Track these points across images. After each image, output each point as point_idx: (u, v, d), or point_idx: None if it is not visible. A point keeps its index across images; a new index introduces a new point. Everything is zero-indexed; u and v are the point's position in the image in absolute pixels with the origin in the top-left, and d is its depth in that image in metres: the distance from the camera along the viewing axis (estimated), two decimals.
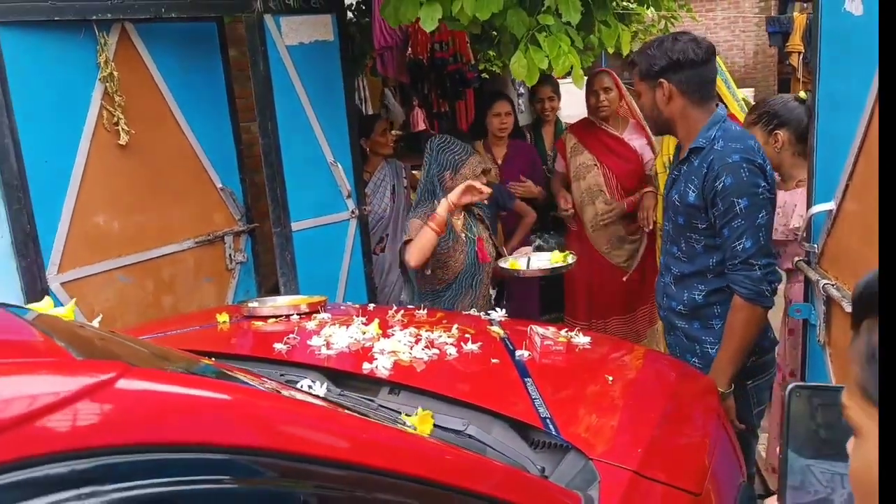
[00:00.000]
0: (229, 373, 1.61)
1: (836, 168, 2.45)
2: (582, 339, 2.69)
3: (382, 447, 1.42)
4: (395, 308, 3.03)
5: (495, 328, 2.79)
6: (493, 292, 3.95)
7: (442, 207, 3.18)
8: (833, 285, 2.47)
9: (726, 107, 3.98)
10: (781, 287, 3.80)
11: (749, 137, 2.65)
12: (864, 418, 0.80)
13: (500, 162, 4.84)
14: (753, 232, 2.51)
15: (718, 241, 2.62)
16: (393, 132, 6.87)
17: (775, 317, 2.92)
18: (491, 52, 7.15)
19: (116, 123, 3.53)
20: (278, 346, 2.55)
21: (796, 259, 2.86)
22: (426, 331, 2.67)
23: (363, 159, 4.72)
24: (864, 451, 0.81)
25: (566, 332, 2.73)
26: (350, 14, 6.08)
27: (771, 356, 2.85)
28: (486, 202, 4.19)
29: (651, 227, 4.43)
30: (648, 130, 4.58)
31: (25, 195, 3.19)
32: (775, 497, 1.11)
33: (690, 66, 2.61)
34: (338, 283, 4.40)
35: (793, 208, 3.18)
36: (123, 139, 3.56)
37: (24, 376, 0.99)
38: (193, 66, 3.92)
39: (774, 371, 2.91)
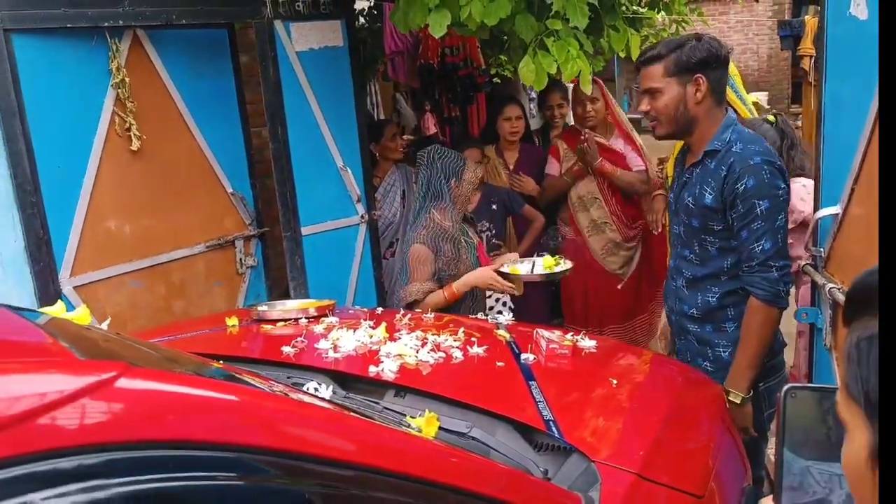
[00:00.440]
0: (235, 375, 1.63)
1: (841, 172, 2.45)
2: (588, 343, 2.69)
3: (386, 448, 1.44)
4: (402, 312, 3.05)
5: (501, 332, 2.80)
6: (506, 297, 3.97)
7: (461, 286, 3.28)
8: (839, 289, 2.47)
9: (736, 112, 3.98)
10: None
11: (763, 140, 2.66)
12: (848, 415, 0.82)
13: (511, 167, 4.85)
14: (773, 234, 2.52)
15: (734, 244, 2.61)
16: (405, 137, 6.89)
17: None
18: (502, 57, 7.15)
19: (128, 129, 3.57)
20: (286, 349, 2.58)
21: (802, 263, 2.86)
22: (433, 334, 2.69)
23: (373, 164, 4.74)
24: (848, 446, 0.83)
25: (572, 335, 2.74)
26: (361, 19, 6.11)
27: (780, 358, 2.84)
28: (494, 206, 4.21)
29: (660, 230, 4.43)
30: (637, 139, 4.59)
31: (38, 200, 3.22)
32: (771, 497, 1.12)
33: (723, 65, 2.61)
34: (347, 287, 4.42)
35: None
36: (135, 145, 3.59)
37: (27, 375, 1.01)
38: (204, 72, 3.96)
39: (785, 373, 2.91)
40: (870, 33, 2.19)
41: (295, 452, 1.21)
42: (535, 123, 6.56)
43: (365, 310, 3.23)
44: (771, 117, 3.48)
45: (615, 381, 2.42)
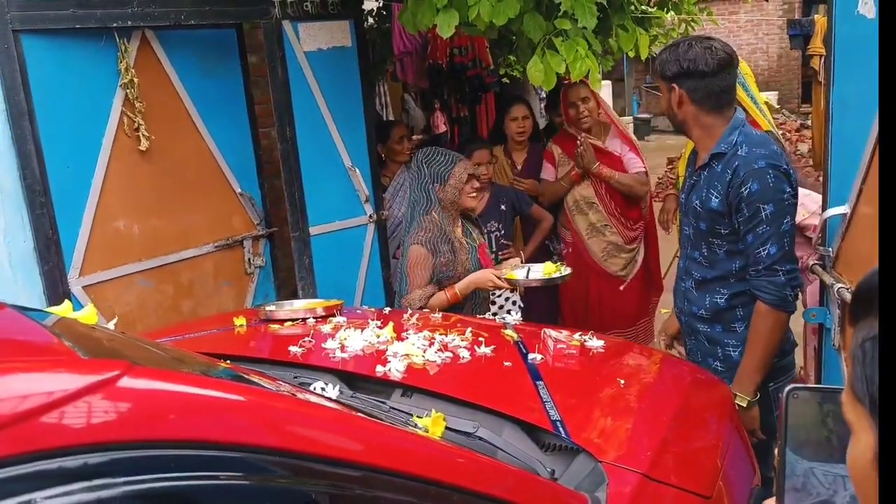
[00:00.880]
0: (241, 375, 1.64)
1: (850, 171, 2.44)
2: (595, 343, 2.69)
3: (392, 449, 1.44)
4: (410, 311, 3.05)
5: (509, 332, 2.80)
6: (516, 297, 3.97)
7: (463, 287, 3.30)
8: (847, 289, 2.46)
9: (746, 112, 3.95)
10: None
11: (772, 143, 2.64)
12: (853, 416, 0.82)
13: (519, 167, 4.84)
14: (778, 238, 2.50)
15: (741, 247, 2.60)
16: (414, 137, 6.89)
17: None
18: (511, 57, 7.15)
19: (137, 129, 3.58)
20: (293, 349, 2.58)
21: (811, 262, 2.84)
22: (440, 334, 2.69)
23: (382, 164, 4.75)
24: (853, 447, 0.82)
25: (580, 335, 2.73)
26: (370, 20, 6.12)
27: (791, 358, 2.83)
28: (503, 206, 4.20)
29: (671, 231, 4.41)
30: (633, 138, 4.57)
31: (47, 200, 3.24)
32: (774, 500, 1.11)
33: (699, 76, 2.58)
34: (356, 287, 4.42)
35: None
36: (144, 145, 3.61)
37: (30, 374, 1.01)
38: (213, 72, 3.97)
39: (794, 373, 2.90)
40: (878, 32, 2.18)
41: (301, 452, 1.21)
42: (542, 124, 6.57)
43: (373, 310, 3.23)
44: (771, 129, 3.47)
45: (623, 381, 2.42)
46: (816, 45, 9.89)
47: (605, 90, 12.41)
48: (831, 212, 2.60)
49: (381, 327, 2.74)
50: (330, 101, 4.14)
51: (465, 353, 2.54)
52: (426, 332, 2.70)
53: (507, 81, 7.70)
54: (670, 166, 4.80)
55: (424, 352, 2.52)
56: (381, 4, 6.33)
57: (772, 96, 10.95)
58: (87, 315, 1.86)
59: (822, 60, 10.69)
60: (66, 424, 0.94)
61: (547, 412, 2.13)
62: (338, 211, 4.28)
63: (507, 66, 7.49)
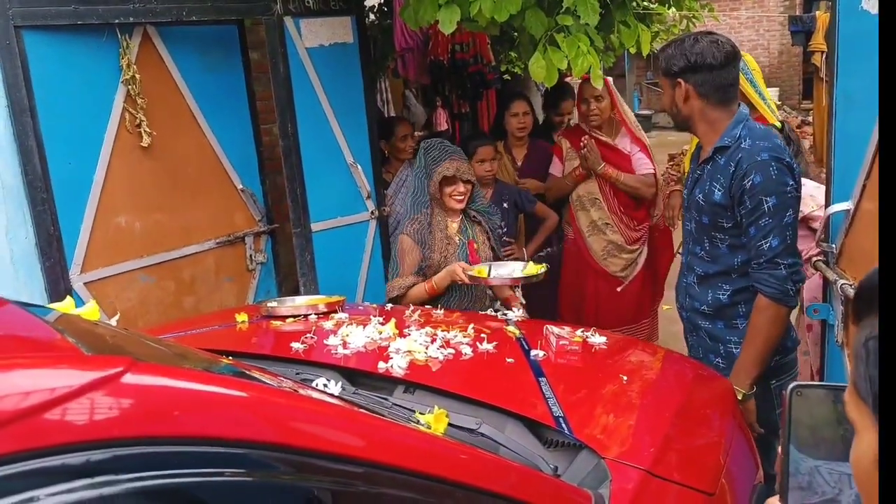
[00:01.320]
0: (244, 371, 1.63)
1: (853, 167, 2.43)
2: (598, 339, 2.69)
3: (395, 445, 1.43)
4: (411, 308, 3.05)
5: (511, 328, 2.80)
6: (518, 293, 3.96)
7: (439, 280, 3.32)
8: (850, 285, 2.45)
9: (753, 108, 3.93)
10: None
11: (775, 136, 2.64)
12: (857, 414, 0.81)
13: (519, 163, 4.83)
14: (780, 231, 2.50)
15: (744, 241, 2.60)
16: (416, 134, 6.87)
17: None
18: (513, 54, 7.15)
19: (138, 125, 3.58)
20: (295, 345, 2.58)
21: (814, 259, 2.84)
22: (442, 330, 2.68)
23: (385, 161, 4.74)
24: (857, 445, 0.82)
25: (582, 331, 2.73)
26: (372, 16, 6.11)
27: (793, 356, 2.83)
28: (506, 204, 4.18)
29: (675, 227, 4.39)
30: (641, 136, 4.53)
31: (49, 196, 3.24)
32: (777, 497, 1.11)
33: (708, 70, 2.59)
34: (357, 283, 4.42)
35: None
36: (145, 141, 3.60)
37: (33, 370, 1.01)
38: (214, 68, 3.96)
39: (797, 370, 2.89)
40: None
41: (305, 449, 1.21)
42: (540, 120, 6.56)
43: (374, 306, 3.23)
44: (778, 124, 3.45)
45: (625, 378, 2.41)
46: (818, 41, 9.88)
47: None
48: (834, 208, 2.60)
49: (383, 324, 2.74)
50: (331, 98, 4.14)
51: (467, 350, 2.54)
52: (428, 329, 2.70)
53: (509, 78, 7.69)
54: (671, 163, 4.76)
55: (426, 348, 2.52)
56: (381, 0, 6.32)
57: (773, 93, 10.94)
58: (90, 311, 1.85)
59: (824, 57, 10.68)
60: (70, 421, 0.94)
61: (550, 408, 2.13)
62: (339, 207, 4.27)
63: (508, 63, 7.48)
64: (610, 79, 4.46)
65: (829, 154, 2.66)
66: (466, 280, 3.25)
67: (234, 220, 4.14)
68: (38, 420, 0.91)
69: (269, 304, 3.07)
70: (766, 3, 15.78)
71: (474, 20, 3.27)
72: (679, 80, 2.63)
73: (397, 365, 2.38)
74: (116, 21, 3.39)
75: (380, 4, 6.34)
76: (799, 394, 1.06)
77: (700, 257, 2.77)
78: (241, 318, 2.92)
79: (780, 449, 1.07)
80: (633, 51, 4.61)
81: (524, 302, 3.59)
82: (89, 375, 0.98)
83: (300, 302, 3.17)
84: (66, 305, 1.88)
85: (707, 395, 2.48)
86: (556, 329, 2.66)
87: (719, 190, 2.59)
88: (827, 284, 2.77)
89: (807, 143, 11.41)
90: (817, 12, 10.65)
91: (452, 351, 2.52)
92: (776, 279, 2.52)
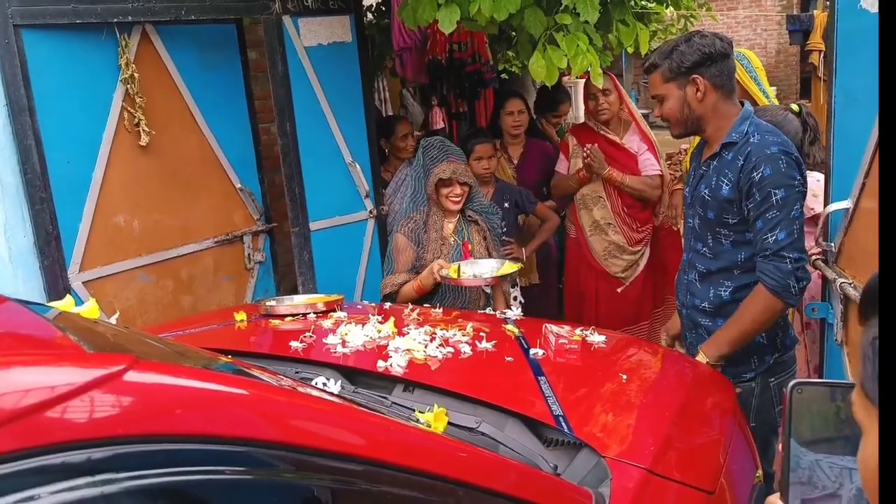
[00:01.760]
0: (244, 370, 1.63)
1: (852, 166, 2.44)
2: (597, 338, 2.69)
3: (396, 443, 1.43)
4: (410, 306, 3.05)
5: (510, 327, 2.80)
6: (517, 292, 3.95)
7: (423, 278, 3.32)
8: (850, 284, 2.46)
9: (755, 105, 3.93)
10: None
11: (780, 132, 2.64)
12: (864, 414, 0.81)
13: (515, 162, 4.81)
14: (788, 224, 2.49)
15: (748, 236, 2.59)
16: (415, 133, 6.86)
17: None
18: (510, 53, 7.15)
19: (137, 124, 3.58)
20: (294, 344, 2.57)
21: (812, 257, 2.84)
22: (441, 329, 2.68)
23: (384, 160, 4.74)
24: (864, 447, 0.81)
25: (581, 330, 2.73)
26: (370, 15, 6.11)
27: (792, 353, 2.83)
28: (507, 204, 4.16)
29: (679, 226, 4.36)
30: (651, 136, 4.49)
31: (47, 195, 3.23)
32: (777, 495, 1.11)
33: (721, 59, 2.59)
34: (355, 282, 4.42)
35: None
36: (144, 140, 3.60)
37: (36, 368, 1.01)
38: (213, 67, 3.96)
39: (796, 368, 2.90)
40: None
41: (305, 447, 1.21)
42: None
43: (373, 305, 3.23)
44: (795, 107, 3.40)
45: (625, 377, 2.41)
46: (816, 40, 9.87)
47: None
48: (834, 206, 2.60)
49: (381, 322, 2.74)
50: (330, 97, 4.14)
51: (466, 349, 2.54)
52: (427, 328, 2.70)
53: (506, 77, 7.69)
54: (669, 161, 4.75)
55: (426, 347, 2.52)
56: (380, 0, 6.32)
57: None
58: (90, 310, 1.85)
59: (822, 56, 10.68)
60: (73, 419, 0.94)
61: (549, 407, 2.13)
62: (338, 206, 4.27)
63: (505, 62, 7.48)
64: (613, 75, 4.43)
65: (828, 152, 2.67)
66: (439, 279, 3.26)
67: (232, 219, 4.13)
68: (41, 418, 0.91)
69: (267, 303, 3.07)
70: (764, 3, 15.78)
71: (473, 19, 3.27)
72: (694, 75, 2.59)
73: (396, 363, 2.37)
74: (115, 20, 3.38)
75: (377, 4, 6.35)
76: (800, 391, 1.06)
77: (702, 254, 2.77)
78: (240, 316, 2.92)
79: (780, 446, 1.07)
80: (630, 50, 4.60)
81: (522, 300, 3.59)
82: (92, 373, 0.98)
83: (299, 301, 3.16)
84: (66, 304, 1.88)
85: (706, 393, 2.48)
86: (555, 328, 2.66)
87: (727, 185, 2.59)
88: (826, 283, 2.77)
89: None
90: (815, 11, 10.63)
91: (451, 349, 2.52)
92: (780, 272, 2.51)
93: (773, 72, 16.41)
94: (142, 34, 3.59)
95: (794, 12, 14.22)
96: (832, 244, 2.67)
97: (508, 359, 2.50)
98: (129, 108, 3.54)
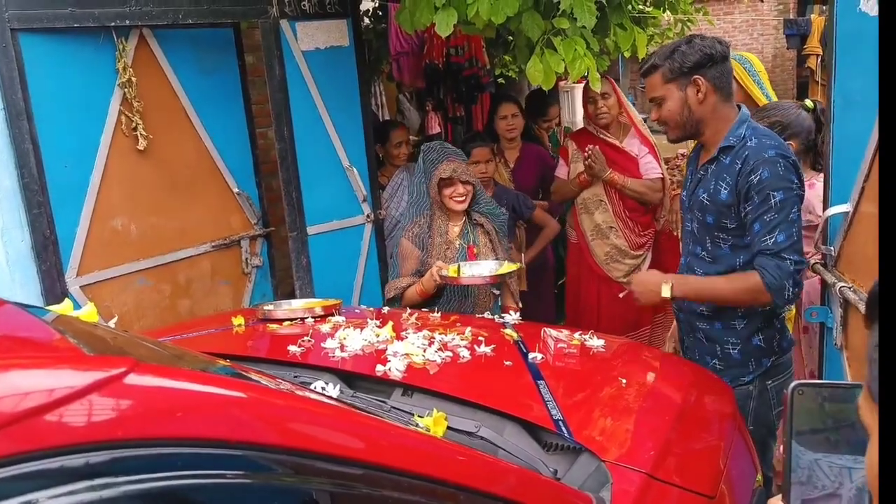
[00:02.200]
0: (243, 373, 1.62)
1: (851, 170, 2.44)
2: (596, 342, 2.69)
3: (395, 447, 1.43)
4: (409, 311, 3.05)
5: (509, 331, 2.79)
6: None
7: (425, 282, 3.33)
8: (850, 288, 2.45)
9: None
10: None
11: (777, 136, 2.65)
12: (871, 419, 0.80)
13: (511, 166, 4.81)
14: (787, 226, 2.48)
15: (747, 240, 2.59)
16: (411, 138, 6.85)
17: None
18: (507, 58, 7.16)
19: (135, 128, 3.57)
20: (293, 348, 2.57)
21: (812, 261, 2.84)
22: (440, 333, 2.68)
23: (380, 164, 4.73)
24: (871, 450, 0.81)
25: (580, 334, 2.73)
26: (366, 20, 6.11)
27: (789, 356, 2.83)
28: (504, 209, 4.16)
29: (679, 232, 4.34)
30: (651, 139, 4.47)
31: (45, 199, 3.22)
32: (779, 497, 1.11)
33: (721, 61, 2.60)
34: (353, 286, 4.42)
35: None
36: (142, 144, 3.59)
37: (35, 371, 1.00)
38: (210, 71, 3.96)
39: (792, 371, 2.90)
40: None
41: (306, 450, 1.20)
42: None
43: (371, 309, 3.22)
44: (809, 103, 3.37)
45: (624, 381, 2.41)
46: (813, 44, 9.90)
47: None
48: (833, 210, 2.60)
49: (380, 326, 2.73)
50: (327, 101, 4.14)
51: (465, 353, 2.54)
52: (426, 332, 2.70)
53: (503, 82, 7.70)
54: (667, 165, 4.75)
55: (424, 351, 2.51)
56: (376, 5, 6.32)
57: None
58: (88, 314, 1.84)
59: (819, 60, 10.70)
60: (74, 423, 0.93)
61: (549, 411, 2.13)
62: (335, 210, 4.27)
63: (502, 67, 7.49)
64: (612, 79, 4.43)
65: (827, 156, 2.66)
66: (439, 280, 3.26)
67: (229, 224, 4.13)
68: (41, 421, 0.90)
69: (265, 308, 3.06)
70: (760, 7, 15.82)
71: (471, 23, 3.27)
72: (696, 76, 2.59)
73: (395, 368, 2.37)
74: (113, 24, 3.37)
75: (374, 8, 6.35)
76: (801, 392, 1.06)
77: (701, 258, 2.77)
78: (238, 321, 2.91)
79: (781, 448, 1.07)
80: (627, 54, 4.61)
81: (521, 305, 3.58)
82: (92, 376, 0.97)
83: (297, 305, 3.16)
84: (65, 307, 1.88)
85: (706, 397, 2.47)
86: (553, 332, 2.66)
87: (725, 188, 2.59)
88: (825, 287, 2.76)
89: None
90: (812, 15, 10.67)
91: (450, 354, 2.52)
92: (781, 271, 2.48)
93: (770, 76, 16.41)
94: (139, 38, 3.58)
95: (791, 16, 14.25)
96: (832, 248, 2.67)
97: (507, 363, 2.49)
98: (126, 113, 3.54)
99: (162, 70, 3.72)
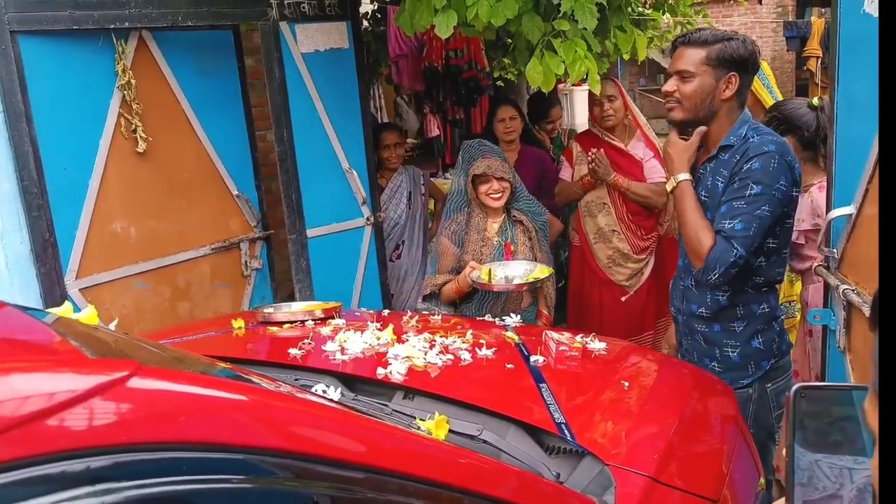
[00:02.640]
0: (244, 376, 1.61)
1: (855, 172, 2.43)
2: (597, 345, 2.68)
3: (398, 450, 1.42)
4: (409, 314, 3.04)
5: (510, 334, 2.78)
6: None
7: (461, 280, 3.37)
8: (853, 290, 2.45)
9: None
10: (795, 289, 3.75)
11: (781, 137, 2.66)
12: (876, 422, 0.80)
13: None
14: (749, 219, 2.49)
15: (709, 216, 2.62)
16: (409, 140, 6.85)
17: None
18: (506, 60, 7.16)
19: (134, 131, 3.56)
20: (293, 351, 2.56)
21: (815, 264, 2.83)
22: (441, 336, 2.67)
23: (379, 166, 4.72)
24: (876, 453, 0.80)
25: (581, 337, 2.72)
26: (365, 23, 6.10)
27: (787, 359, 2.83)
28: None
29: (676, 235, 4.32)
30: (656, 142, 4.44)
31: (44, 202, 3.21)
32: (783, 500, 1.10)
33: (754, 71, 2.65)
34: (353, 289, 4.41)
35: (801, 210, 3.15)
36: (141, 147, 3.58)
37: (37, 374, 0.99)
38: (210, 73, 3.95)
39: (791, 373, 2.89)
40: None
41: (308, 454, 1.20)
42: None
43: (371, 312, 3.22)
44: (816, 101, 3.37)
45: (626, 384, 2.40)
46: (813, 46, 9.91)
47: None
48: (836, 212, 2.59)
49: (380, 329, 2.72)
50: (327, 103, 4.13)
51: (466, 356, 2.53)
52: (426, 335, 2.69)
53: (502, 84, 7.70)
54: None
55: (425, 354, 2.50)
56: (375, 7, 6.32)
57: None
58: (89, 317, 1.83)
59: (819, 62, 10.70)
60: (76, 427, 0.92)
61: (551, 414, 2.12)
62: (335, 213, 4.26)
63: (501, 69, 7.49)
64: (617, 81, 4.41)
65: (830, 158, 2.65)
66: (470, 282, 3.29)
67: (229, 226, 4.12)
68: (44, 425, 0.89)
69: (265, 310, 3.05)
70: (759, 10, 15.82)
71: (471, 25, 3.27)
72: (734, 73, 2.58)
73: (396, 371, 2.36)
74: (112, 26, 3.37)
75: (373, 11, 6.35)
76: (803, 395, 1.05)
77: None
78: (238, 324, 2.90)
79: (784, 451, 1.06)
80: (627, 57, 4.60)
81: (552, 314, 3.59)
82: (95, 379, 0.96)
83: (297, 308, 3.15)
84: (65, 310, 1.86)
85: (708, 400, 2.47)
86: (555, 335, 2.65)
87: (722, 182, 2.59)
88: (828, 289, 2.76)
89: None
90: (812, 18, 10.68)
91: (451, 357, 2.51)
92: (723, 255, 2.51)
93: None
94: (139, 40, 3.57)
95: (790, 19, 14.27)
96: (834, 250, 2.66)
97: (509, 366, 2.48)
98: (125, 115, 3.53)
99: (161, 72, 3.71)
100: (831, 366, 2.79)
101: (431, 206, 5.29)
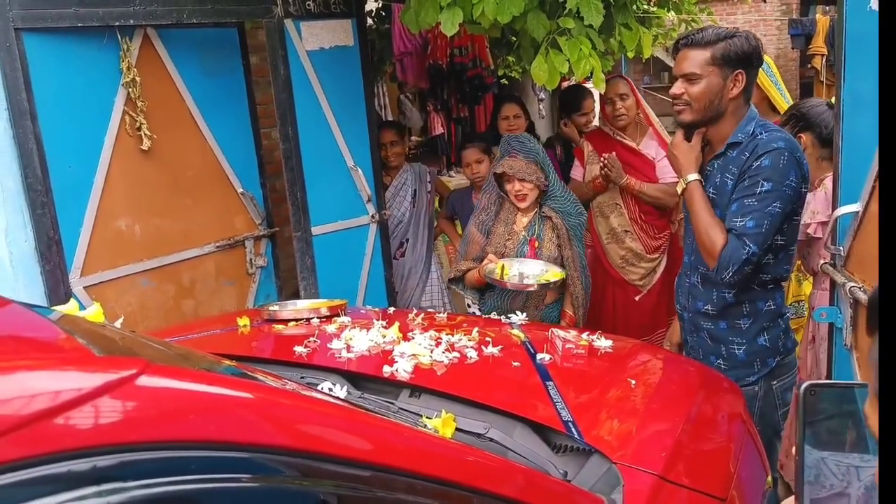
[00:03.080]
0: (250, 374, 1.61)
1: (861, 169, 2.42)
2: (604, 343, 2.67)
3: (405, 448, 1.41)
4: (415, 311, 3.04)
5: (516, 332, 2.78)
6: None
7: (482, 269, 3.40)
8: (860, 288, 2.44)
9: (775, 111, 3.92)
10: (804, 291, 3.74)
11: (789, 134, 2.66)
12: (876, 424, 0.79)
13: None
14: (760, 216, 2.49)
15: (719, 213, 2.62)
16: (413, 138, 6.85)
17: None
18: (510, 58, 7.16)
19: (139, 128, 3.56)
20: (299, 349, 2.55)
21: (822, 263, 2.82)
22: (447, 334, 2.66)
23: (384, 163, 4.71)
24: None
25: (587, 335, 2.71)
26: (370, 20, 6.10)
27: (793, 357, 2.83)
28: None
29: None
30: (668, 140, 4.40)
31: (49, 199, 3.21)
32: (793, 498, 1.09)
33: (759, 66, 2.63)
34: (357, 287, 4.40)
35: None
36: (146, 144, 3.58)
37: (46, 372, 0.98)
38: (215, 71, 3.95)
39: (796, 371, 2.89)
40: None
41: (315, 452, 1.19)
42: (543, 124, 6.53)
43: (377, 309, 3.21)
44: (834, 101, 3.39)
45: (633, 382, 2.40)
46: (818, 44, 9.88)
47: None
48: (843, 210, 2.58)
49: (386, 327, 2.72)
50: (332, 101, 4.12)
51: (472, 353, 2.52)
52: (432, 332, 2.68)
53: (506, 82, 7.69)
54: None
55: (431, 352, 2.50)
56: (380, 5, 6.31)
57: None
58: (94, 314, 1.83)
59: (824, 60, 10.67)
60: (84, 425, 0.92)
61: (558, 412, 2.11)
62: (340, 211, 4.26)
63: (505, 67, 7.48)
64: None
65: (836, 155, 2.64)
66: (482, 275, 3.33)
67: (234, 224, 4.12)
68: (52, 424, 0.89)
69: (270, 308, 3.05)
70: (763, 7, 15.79)
71: (476, 22, 3.26)
72: (740, 71, 2.57)
73: (402, 368, 2.35)
74: (117, 23, 3.36)
75: (378, 9, 6.34)
76: (812, 393, 1.05)
77: None
78: (243, 321, 2.90)
79: (794, 449, 1.06)
80: (631, 55, 4.58)
81: (577, 318, 3.58)
82: (103, 377, 0.96)
83: (302, 306, 3.15)
84: (71, 308, 1.86)
85: (715, 398, 2.46)
86: (561, 333, 2.64)
87: (731, 179, 2.59)
88: (834, 287, 2.75)
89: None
90: (817, 15, 10.65)
91: (457, 355, 2.50)
92: (736, 253, 2.50)
93: None
94: (143, 38, 3.57)
95: (795, 17, 14.24)
96: (841, 248, 2.65)
97: (515, 364, 2.48)
98: (130, 112, 3.53)
99: (166, 70, 3.70)
100: (837, 364, 2.78)
101: (437, 203, 5.27)
